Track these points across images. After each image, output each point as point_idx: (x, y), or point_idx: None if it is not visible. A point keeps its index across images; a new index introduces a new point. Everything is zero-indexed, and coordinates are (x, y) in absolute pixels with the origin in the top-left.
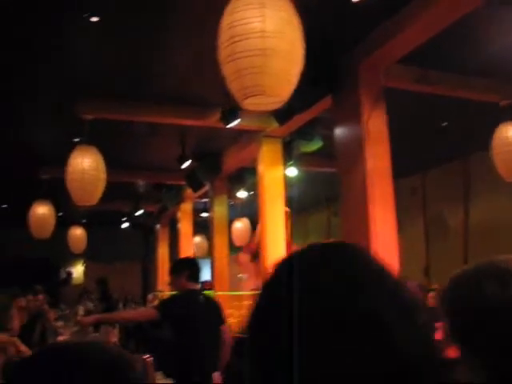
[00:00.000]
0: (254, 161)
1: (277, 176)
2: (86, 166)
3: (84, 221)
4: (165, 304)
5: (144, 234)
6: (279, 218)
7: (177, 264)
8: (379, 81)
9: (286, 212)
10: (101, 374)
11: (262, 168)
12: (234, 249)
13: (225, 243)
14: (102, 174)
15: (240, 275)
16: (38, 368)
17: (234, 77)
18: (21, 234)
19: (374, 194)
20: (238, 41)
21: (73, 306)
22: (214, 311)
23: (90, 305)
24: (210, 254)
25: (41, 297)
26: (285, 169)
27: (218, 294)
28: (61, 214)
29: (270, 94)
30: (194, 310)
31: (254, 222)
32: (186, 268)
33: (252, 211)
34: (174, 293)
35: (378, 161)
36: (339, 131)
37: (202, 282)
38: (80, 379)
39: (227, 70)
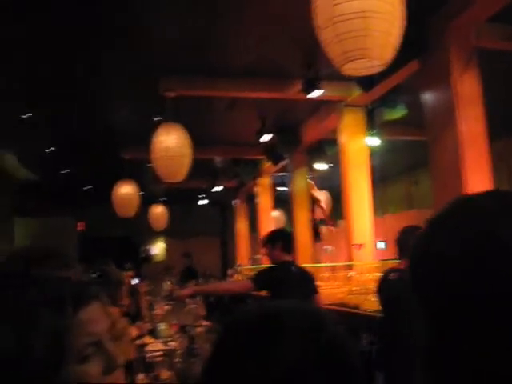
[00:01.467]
0: (335, 131)
1: (359, 146)
2: (170, 143)
3: (164, 199)
4: (261, 275)
5: (222, 209)
6: (364, 188)
7: (271, 235)
8: (470, 41)
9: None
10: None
11: (343, 138)
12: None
13: (305, 216)
14: (188, 150)
15: (326, 247)
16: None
17: (333, 41)
18: (104, 213)
19: (468, 161)
20: (337, 4)
21: (156, 281)
22: (307, 282)
23: (173, 280)
24: (290, 227)
25: (131, 273)
26: (367, 139)
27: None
28: (142, 193)
29: (372, 58)
30: (288, 280)
31: (335, 195)
32: (279, 239)
33: (332, 183)
34: (266, 266)
35: (471, 125)
36: (428, 96)
37: None
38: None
39: (326, 34)
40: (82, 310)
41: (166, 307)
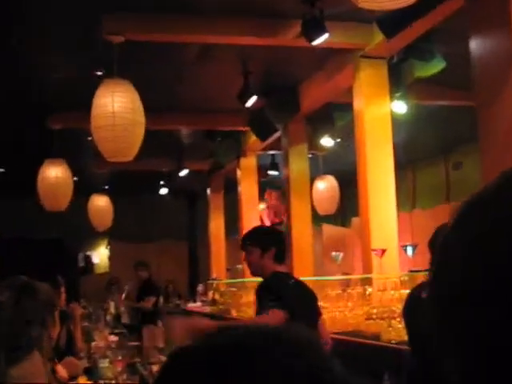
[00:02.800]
0: (347, 93)
1: (381, 113)
2: (117, 107)
3: (108, 187)
4: (286, 297)
5: (190, 202)
6: (386, 173)
7: (259, 235)
8: None
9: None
10: None
11: (359, 102)
12: (317, 218)
13: (305, 210)
14: (140, 118)
15: (334, 254)
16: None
17: None
18: (24, 206)
19: None
20: None
21: (97, 301)
22: (310, 301)
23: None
24: (284, 226)
25: (63, 290)
26: (390, 103)
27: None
28: (77, 178)
29: None
30: (287, 299)
31: (345, 182)
32: (272, 243)
33: (341, 166)
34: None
35: None
36: (477, 44)
37: None
38: None
39: None
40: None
41: (111, 338)
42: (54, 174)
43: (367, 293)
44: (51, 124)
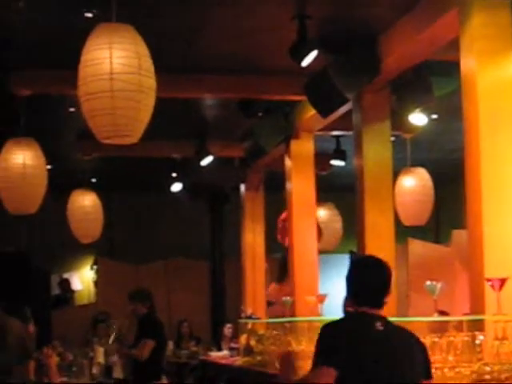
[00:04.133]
0: (450, 48)
1: (502, 77)
2: (117, 64)
3: (96, 180)
4: (335, 351)
5: (214, 203)
6: (509, 165)
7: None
8: None
9: None
10: None
11: (468, 62)
12: (400, 230)
13: (386, 220)
14: (150, 81)
15: (429, 283)
16: None
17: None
18: None
19: None
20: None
21: (78, 346)
22: (405, 352)
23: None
24: (351, 242)
25: (31, 328)
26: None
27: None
28: (51, 166)
29: None
30: (371, 349)
31: (440, 177)
32: (351, 283)
33: (436, 154)
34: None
35: None
36: None
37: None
38: None
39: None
40: None
41: None
42: (21, 159)
43: (477, 342)
44: (16, 88)
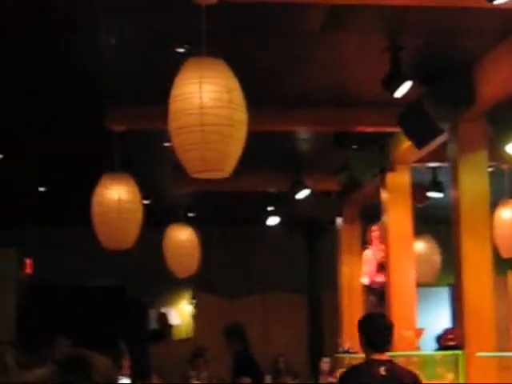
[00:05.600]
0: None
1: None
2: (207, 98)
3: (193, 214)
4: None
5: (310, 236)
6: None
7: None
8: None
9: None
10: None
11: None
12: (499, 263)
13: (484, 253)
14: (241, 115)
15: None
16: None
17: None
18: (73, 240)
19: None
20: None
21: (177, 379)
22: None
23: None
24: (450, 275)
25: (126, 363)
26: None
27: (478, 355)
28: (148, 201)
29: None
30: None
31: None
32: (362, 329)
33: None
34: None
35: None
36: None
37: (445, 331)
38: None
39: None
40: None
41: None
42: (116, 194)
43: None
44: (111, 124)
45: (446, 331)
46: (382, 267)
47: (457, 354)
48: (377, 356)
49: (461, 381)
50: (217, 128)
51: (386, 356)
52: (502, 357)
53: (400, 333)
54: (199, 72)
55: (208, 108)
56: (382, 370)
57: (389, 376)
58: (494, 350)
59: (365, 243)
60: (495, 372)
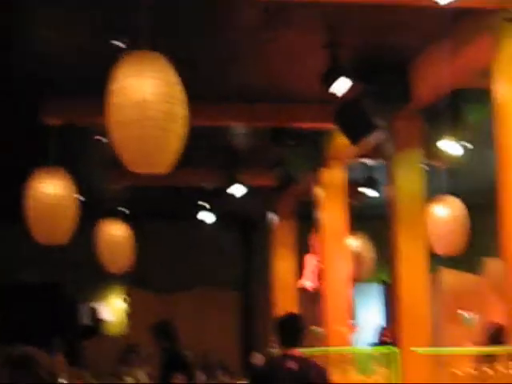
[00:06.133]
0: (482, 75)
1: None
2: (149, 93)
3: (127, 210)
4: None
5: (244, 233)
6: None
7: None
8: None
9: None
10: None
11: (501, 88)
12: (434, 259)
13: (419, 249)
14: (181, 110)
15: (465, 314)
16: None
17: None
18: (7, 237)
19: None
20: None
21: (109, 375)
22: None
23: (142, 375)
24: (383, 272)
25: (60, 358)
26: None
27: (413, 351)
28: (81, 197)
29: None
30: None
31: (473, 207)
32: (275, 328)
33: (469, 184)
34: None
35: None
36: None
37: (381, 328)
38: None
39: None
40: None
41: None
42: (52, 189)
43: None
44: (46, 118)
45: (382, 327)
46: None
47: (392, 350)
48: (289, 352)
49: (395, 377)
50: (157, 123)
51: (297, 352)
52: (435, 353)
53: (335, 329)
54: (139, 66)
55: (148, 103)
56: (292, 365)
57: (298, 370)
58: (428, 346)
59: (308, 246)
60: (429, 368)
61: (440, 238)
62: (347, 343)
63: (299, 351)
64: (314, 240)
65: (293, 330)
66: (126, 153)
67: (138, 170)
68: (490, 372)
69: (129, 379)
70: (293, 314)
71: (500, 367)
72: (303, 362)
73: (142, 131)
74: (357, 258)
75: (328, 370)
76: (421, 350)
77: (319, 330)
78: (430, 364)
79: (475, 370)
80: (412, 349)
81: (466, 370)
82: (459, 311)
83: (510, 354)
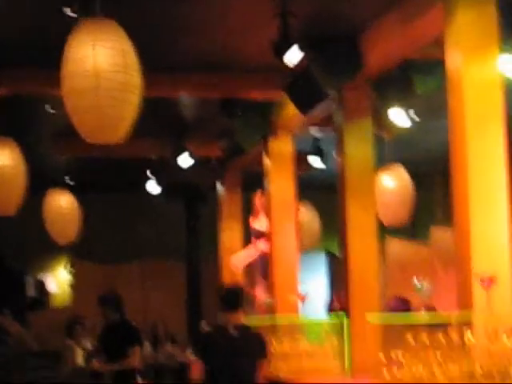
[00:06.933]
0: (433, 45)
1: (487, 75)
2: (102, 62)
3: (72, 182)
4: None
5: (191, 204)
6: (495, 161)
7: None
8: None
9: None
10: None
11: (454, 59)
12: (381, 228)
13: (369, 219)
14: (135, 79)
15: (418, 281)
16: None
17: None
18: None
19: None
20: None
21: (55, 347)
22: (250, 345)
23: (87, 344)
24: (328, 242)
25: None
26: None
27: (362, 319)
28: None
29: None
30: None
31: (417, 176)
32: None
33: (413, 153)
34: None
35: None
36: None
37: (330, 296)
38: None
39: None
40: None
41: None
42: (0, 160)
43: (467, 341)
44: None
45: (332, 296)
46: (258, 235)
47: (341, 319)
48: (231, 320)
49: (345, 345)
50: (111, 93)
51: (239, 320)
52: (386, 321)
53: (285, 297)
54: (92, 34)
55: (102, 72)
56: (234, 331)
57: (239, 337)
58: (377, 314)
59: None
60: (378, 336)
61: (387, 208)
62: (296, 312)
63: (241, 319)
64: (258, 200)
65: (234, 299)
66: (81, 123)
67: (92, 140)
68: (442, 339)
69: (75, 349)
70: (234, 285)
71: (452, 334)
72: (244, 330)
73: (97, 101)
74: (303, 228)
75: (267, 340)
76: (371, 317)
77: (268, 299)
78: (380, 332)
79: (426, 337)
80: (368, 316)
81: (417, 337)
82: (415, 280)
83: (460, 322)
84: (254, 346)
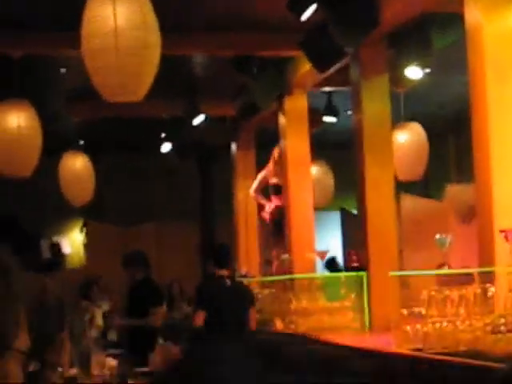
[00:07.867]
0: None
1: (506, 28)
2: (122, 20)
3: (83, 142)
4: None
5: (205, 163)
6: None
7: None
8: None
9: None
10: None
11: (474, 13)
12: (399, 186)
13: (386, 175)
14: (155, 38)
15: (440, 236)
16: None
17: None
18: None
19: None
20: None
21: (71, 308)
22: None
23: (105, 306)
24: (342, 199)
25: None
26: None
27: (380, 274)
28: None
29: None
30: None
31: (431, 133)
32: (210, 255)
33: (427, 109)
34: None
35: None
36: None
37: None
38: None
39: None
40: None
41: (110, 361)
42: (15, 121)
43: (489, 294)
44: (8, 49)
45: (350, 253)
46: (277, 191)
47: (361, 275)
48: (221, 273)
49: (365, 300)
50: (132, 51)
51: (228, 273)
52: (401, 276)
53: (300, 256)
54: None
55: (122, 30)
56: (227, 282)
57: (232, 286)
58: (396, 268)
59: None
60: (397, 292)
61: (403, 164)
62: (312, 270)
63: (229, 273)
64: (277, 155)
65: (224, 255)
66: (102, 82)
67: (114, 100)
68: (465, 292)
69: (97, 311)
70: (224, 243)
71: (473, 288)
72: (233, 281)
73: (117, 60)
74: (317, 185)
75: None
76: (392, 273)
77: (286, 256)
78: (398, 288)
79: (451, 291)
80: (391, 273)
81: (441, 291)
82: (437, 236)
83: (482, 276)
84: (244, 294)
